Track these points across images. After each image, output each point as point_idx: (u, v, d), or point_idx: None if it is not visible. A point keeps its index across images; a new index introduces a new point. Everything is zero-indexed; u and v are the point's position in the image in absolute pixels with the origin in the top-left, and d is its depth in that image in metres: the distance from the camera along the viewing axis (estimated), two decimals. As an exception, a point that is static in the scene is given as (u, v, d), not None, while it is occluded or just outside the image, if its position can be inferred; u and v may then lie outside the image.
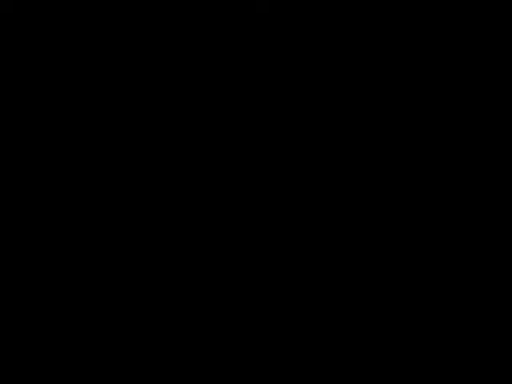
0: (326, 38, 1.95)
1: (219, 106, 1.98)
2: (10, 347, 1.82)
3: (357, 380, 1.84)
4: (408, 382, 1.82)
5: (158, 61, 2.00)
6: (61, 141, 1.95)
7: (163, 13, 1.97)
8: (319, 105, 1.95)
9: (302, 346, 1.87)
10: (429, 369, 1.82)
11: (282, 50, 1.96)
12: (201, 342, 1.89)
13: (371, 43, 1.94)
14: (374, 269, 1.91)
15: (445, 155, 1.92)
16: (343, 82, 1.95)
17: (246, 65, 1.96)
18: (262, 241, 1.94)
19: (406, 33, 1.93)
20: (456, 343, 1.83)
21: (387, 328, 1.87)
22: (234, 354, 1.88)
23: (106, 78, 1.98)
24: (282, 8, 1.96)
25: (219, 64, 1.97)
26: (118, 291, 1.92)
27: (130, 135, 1.98)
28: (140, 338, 1.89)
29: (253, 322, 1.90)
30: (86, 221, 1.94)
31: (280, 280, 1.92)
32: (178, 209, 1.98)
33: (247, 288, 1.93)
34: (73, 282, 1.90)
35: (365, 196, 1.93)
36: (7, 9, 1.81)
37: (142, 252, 1.95)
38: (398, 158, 1.93)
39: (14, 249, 1.89)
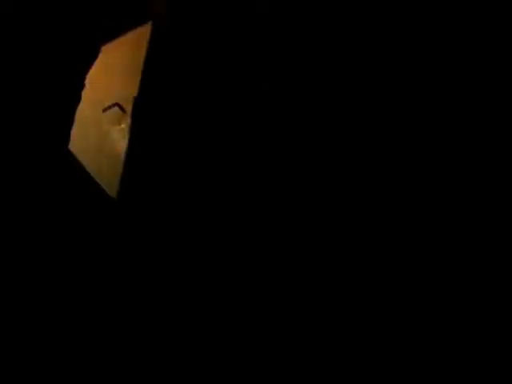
0: (326, 37, 1.95)
1: (219, 103, 1.98)
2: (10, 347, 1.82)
3: (357, 380, 1.84)
4: (408, 382, 1.82)
5: (159, 60, 2.00)
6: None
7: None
8: (318, 103, 1.96)
9: (302, 346, 1.88)
10: (428, 368, 1.83)
11: (282, 49, 1.96)
12: (200, 342, 1.90)
13: (370, 43, 1.94)
14: (374, 269, 1.91)
15: (445, 155, 1.92)
16: (342, 81, 1.95)
17: (246, 64, 1.97)
18: (261, 241, 1.94)
19: (405, 32, 1.93)
20: (455, 343, 1.83)
21: (387, 328, 1.87)
22: (234, 354, 1.88)
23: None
24: (282, 8, 1.96)
25: (220, 63, 1.97)
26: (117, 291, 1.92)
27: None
28: (139, 338, 1.89)
29: (253, 322, 1.91)
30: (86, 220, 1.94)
31: (280, 280, 1.92)
32: (179, 209, 1.98)
33: (247, 288, 1.93)
34: (72, 282, 1.90)
35: (364, 197, 1.93)
36: (7, 9, 1.81)
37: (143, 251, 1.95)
38: (397, 157, 1.94)
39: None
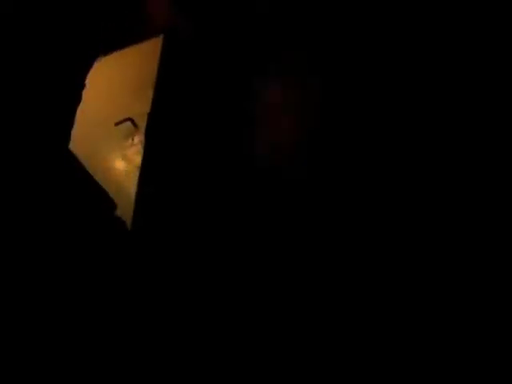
0: (325, 37, 1.95)
1: (220, 102, 1.98)
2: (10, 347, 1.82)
3: (356, 380, 1.83)
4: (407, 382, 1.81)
5: (161, 59, 2.00)
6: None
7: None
8: (318, 102, 1.95)
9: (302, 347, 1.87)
10: (428, 369, 1.82)
11: (282, 49, 1.96)
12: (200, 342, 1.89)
13: (369, 43, 1.93)
14: (375, 270, 1.90)
15: (445, 156, 1.91)
16: (342, 81, 1.94)
17: (245, 63, 1.96)
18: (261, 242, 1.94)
19: (404, 32, 1.92)
20: (455, 343, 1.82)
21: (387, 328, 1.86)
22: (234, 355, 1.88)
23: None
24: (282, 8, 1.95)
25: (220, 62, 1.97)
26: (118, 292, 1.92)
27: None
28: (139, 338, 1.89)
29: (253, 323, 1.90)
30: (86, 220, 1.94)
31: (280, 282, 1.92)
32: (179, 210, 1.97)
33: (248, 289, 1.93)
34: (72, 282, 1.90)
35: (364, 199, 1.92)
36: (7, 9, 1.81)
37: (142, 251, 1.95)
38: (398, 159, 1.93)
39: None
